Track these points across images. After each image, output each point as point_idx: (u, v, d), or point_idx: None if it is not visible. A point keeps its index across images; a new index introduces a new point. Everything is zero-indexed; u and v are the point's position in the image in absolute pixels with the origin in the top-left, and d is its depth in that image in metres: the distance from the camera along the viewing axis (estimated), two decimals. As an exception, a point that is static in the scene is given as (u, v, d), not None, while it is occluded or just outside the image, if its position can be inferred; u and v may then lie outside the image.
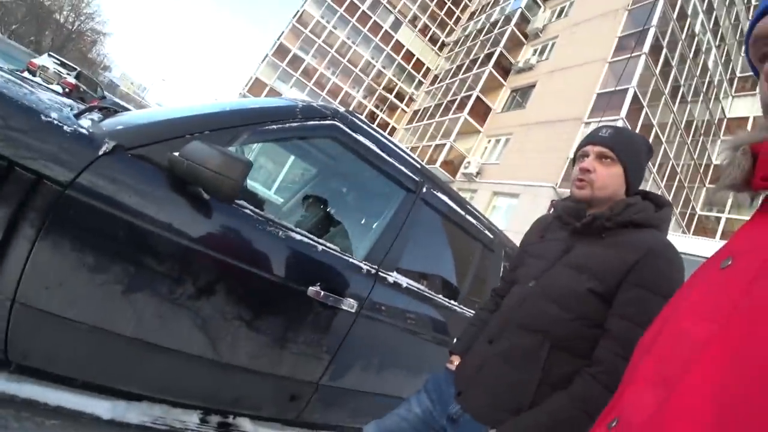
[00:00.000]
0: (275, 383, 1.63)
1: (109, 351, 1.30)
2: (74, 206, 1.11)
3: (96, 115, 1.54)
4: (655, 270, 0.95)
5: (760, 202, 0.52)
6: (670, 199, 16.16)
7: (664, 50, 14.98)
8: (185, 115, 1.43)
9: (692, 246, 9.24)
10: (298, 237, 1.56)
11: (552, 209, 1.25)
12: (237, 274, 1.41)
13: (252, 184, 3.08)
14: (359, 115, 1.86)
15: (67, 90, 10.79)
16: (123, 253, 1.22)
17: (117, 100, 13.73)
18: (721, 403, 0.36)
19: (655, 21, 14.15)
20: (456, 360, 1.24)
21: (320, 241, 1.64)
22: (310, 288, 1.55)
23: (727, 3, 20.15)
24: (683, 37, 16.19)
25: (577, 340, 0.99)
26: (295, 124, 1.57)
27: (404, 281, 1.92)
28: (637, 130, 13.48)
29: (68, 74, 12.22)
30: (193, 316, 1.35)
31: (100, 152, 1.15)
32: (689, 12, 16.54)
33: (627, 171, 1.08)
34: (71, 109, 1.47)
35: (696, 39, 17.27)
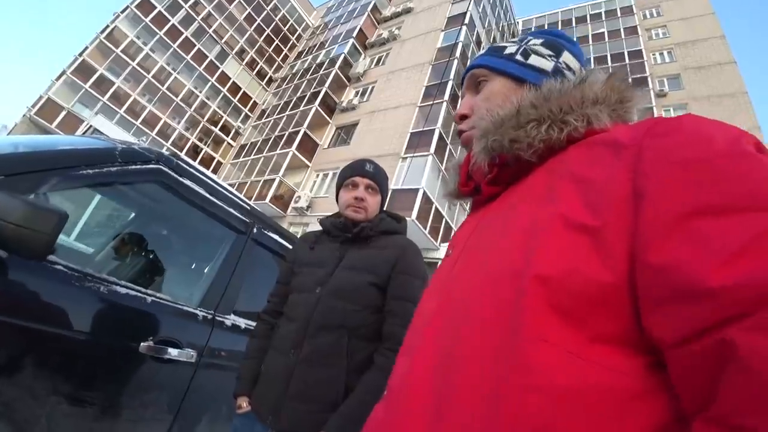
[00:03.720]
0: None
1: None
2: None
3: None
4: (410, 260, 1.29)
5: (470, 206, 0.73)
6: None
7: (459, 99, 17.67)
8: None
9: None
10: (124, 290, 1.44)
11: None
12: (50, 341, 1.22)
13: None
14: (186, 158, 1.81)
15: None
16: None
17: None
18: (441, 353, 0.49)
19: (451, 75, 16.83)
20: (244, 401, 1.25)
21: (149, 291, 1.53)
22: (142, 344, 1.44)
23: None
24: (472, 89, 19.50)
25: (367, 327, 1.21)
26: (114, 169, 1.42)
27: (242, 322, 1.93)
28: (443, 163, 15.53)
29: None
30: None
31: None
32: (475, 70, 20.15)
33: (383, 197, 1.44)
34: None
35: (481, 92, 21.04)
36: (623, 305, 0.40)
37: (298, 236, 1.74)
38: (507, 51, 0.71)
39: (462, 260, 0.59)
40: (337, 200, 1.47)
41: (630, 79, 0.62)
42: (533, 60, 0.68)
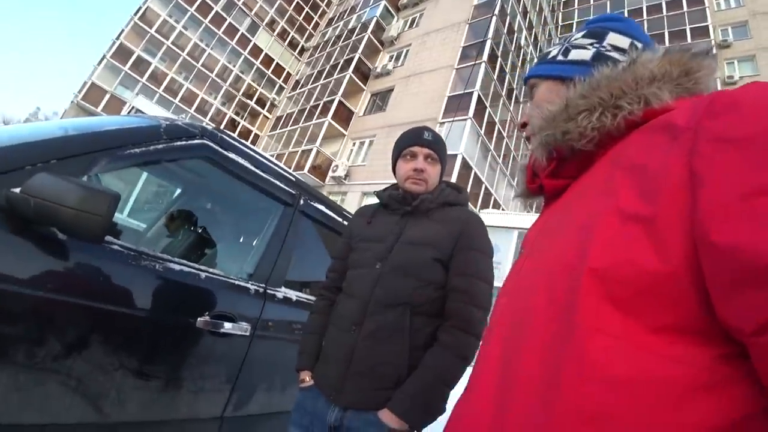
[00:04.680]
0: (175, 429, 1.48)
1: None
2: None
3: None
4: (474, 234, 1.23)
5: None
6: (514, 183, 18.63)
7: (499, 59, 17.06)
8: (20, 140, 1.15)
9: (531, 220, 10.78)
10: (178, 267, 1.44)
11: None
12: (114, 319, 1.25)
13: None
14: (229, 132, 1.78)
15: None
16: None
17: None
18: (506, 346, 0.52)
19: (490, 34, 16.07)
20: (307, 376, 1.24)
21: (202, 267, 1.54)
22: (199, 319, 1.46)
23: (542, 22, 23.83)
24: (512, 48, 18.73)
25: (429, 304, 1.16)
26: (161, 146, 1.41)
27: (294, 295, 1.93)
28: (482, 128, 15.08)
29: None
30: (64, 379, 1.14)
31: None
32: (515, 28, 19.18)
33: (443, 167, 1.36)
34: None
35: (522, 50, 20.08)
36: (685, 294, 0.38)
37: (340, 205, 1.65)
38: (551, 55, 0.74)
39: (530, 257, 0.61)
40: (394, 171, 1.39)
41: (690, 43, 0.51)
42: (573, 54, 0.70)
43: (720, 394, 0.36)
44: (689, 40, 19.22)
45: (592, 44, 0.69)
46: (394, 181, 1.40)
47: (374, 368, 1.10)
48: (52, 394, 1.13)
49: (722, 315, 0.36)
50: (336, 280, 1.38)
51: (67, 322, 1.15)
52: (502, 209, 16.29)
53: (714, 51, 0.57)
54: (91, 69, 22.15)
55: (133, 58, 22.95)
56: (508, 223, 11.73)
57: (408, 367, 1.10)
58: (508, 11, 18.27)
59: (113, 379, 1.25)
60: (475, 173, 14.61)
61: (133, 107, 21.66)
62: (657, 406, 0.37)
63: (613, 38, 0.68)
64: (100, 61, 22.25)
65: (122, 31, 23.07)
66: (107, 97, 21.66)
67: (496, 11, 16.73)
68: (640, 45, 0.66)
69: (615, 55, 0.65)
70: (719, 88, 0.49)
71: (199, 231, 2.29)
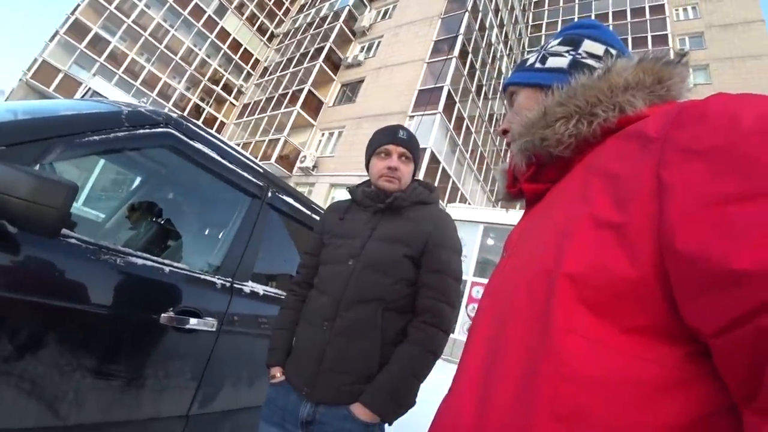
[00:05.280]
0: (138, 429, 1.42)
1: None
2: None
3: None
4: (446, 233, 1.27)
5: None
6: (481, 178, 19.08)
7: (470, 55, 17.27)
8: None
9: (499, 216, 11.36)
10: (140, 261, 1.39)
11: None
12: (72, 318, 1.18)
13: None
14: (194, 121, 1.71)
15: None
16: None
17: None
18: (489, 346, 0.53)
19: (462, 30, 16.14)
20: (278, 371, 1.24)
21: (166, 261, 1.49)
22: (163, 315, 1.41)
23: (513, 21, 24.24)
24: (483, 44, 18.96)
25: (400, 300, 1.19)
26: (122, 134, 1.34)
27: (261, 289, 1.90)
28: (451, 123, 15.25)
29: None
30: (17, 381, 1.08)
31: None
32: (487, 25, 19.41)
33: (416, 166, 1.38)
34: None
35: (492, 48, 20.38)
36: (654, 298, 0.40)
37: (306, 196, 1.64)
38: (529, 62, 0.75)
39: (511, 259, 0.62)
40: (367, 168, 1.40)
41: (671, 54, 0.58)
42: (550, 62, 0.71)
43: (687, 392, 0.38)
44: (650, 46, 20.11)
45: (568, 51, 0.70)
46: (363, 173, 1.41)
47: (347, 364, 1.12)
48: (3, 397, 1.07)
49: (686, 317, 0.37)
50: (307, 275, 1.38)
51: (20, 321, 1.09)
52: (469, 203, 16.59)
53: (686, 59, 0.59)
54: (42, 45, 20.70)
55: (90, 35, 21.56)
56: (474, 217, 11.96)
57: (380, 362, 1.13)
58: (480, 8, 18.47)
59: (71, 380, 1.19)
60: (443, 167, 14.78)
61: (89, 88, 20.29)
62: (629, 406, 0.38)
63: (589, 45, 0.70)
64: (53, 38, 20.76)
65: (78, 5, 21.58)
66: (60, 76, 20.28)
67: (469, 7, 16.89)
68: (614, 52, 0.68)
69: (591, 62, 0.67)
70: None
71: (163, 223, 2.20)
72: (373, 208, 1.31)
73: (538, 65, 0.73)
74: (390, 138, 1.34)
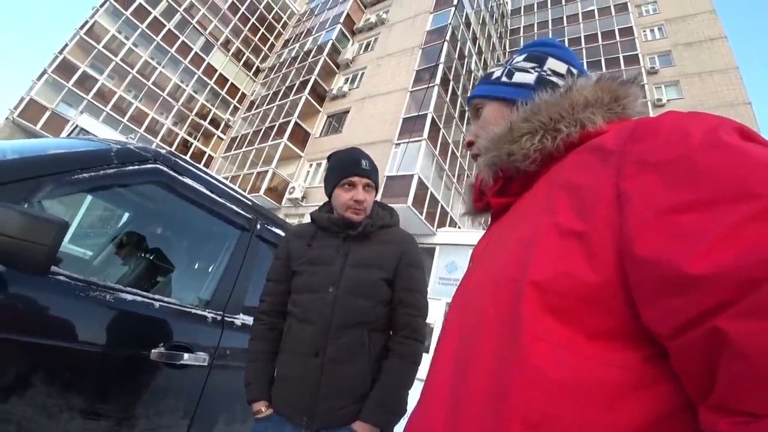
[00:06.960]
0: None
1: None
2: None
3: None
4: (413, 253, 1.38)
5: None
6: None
7: (451, 82, 17.72)
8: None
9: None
10: (130, 297, 1.39)
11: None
12: (61, 356, 1.18)
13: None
14: (183, 156, 1.75)
15: None
16: None
17: None
18: (457, 357, 0.54)
19: (442, 59, 16.64)
20: (263, 406, 1.23)
21: (156, 296, 1.49)
22: (153, 351, 1.40)
23: (491, 48, 25.06)
24: (463, 72, 19.47)
25: (381, 320, 1.28)
26: (111, 171, 1.36)
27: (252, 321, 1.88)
28: (437, 148, 15.48)
29: None
30: (2, 425, 1.06)
31: None
32: (466, 53, 20.03)
33: (377, 191, 1.44)
34: None
35: (472, 74, 20.94)
36: (616, 303, 0.42)
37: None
38: (495, 76, 0.77)
39: (476, 271, 0.64)
40: (329, 196, 1.43)
41: (623, 73, 0.62)
42: (517, 77, 0.73)
43: (648, 392, 0.39)
44: (623, 66, 20.89)
45: (533, 68, 0.73)
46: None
47: (343, 388, 1.18)
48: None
49: (645, 321, 0.39)
50: (274, 303, 1.38)
51: (7, 362, 1.08)
52: (458, 227, 16.69)
53: (642, 79, 0.64)
54: (29, 84, 20.75)
55: (78, 74, 21.67)
56: (466, 240, 12.01)
57: (372, 381, 1.21)
58: (459, 37, 19.11)
59: (59, 422, 1.18)
60: (431, 193, 14.91)
61: (76, 126, 20.32)
62: (594, 408, 0.40)
63: (553, 63, 0.73)
64: (40, 76, 20.85)
65: (66, 45, 21.78)
66: (47, 114, 20.24)
67: (447, 37, 17.46)
68: (575, 71, 0.72)
69: (554, 79, 0.70)
70: (650, 110, 0.56)
71: (152, 257, 2.20)
72: (342, 234, 1.35)
73: (504, 79, 0.74)
74: (354, 169, 1.37)
